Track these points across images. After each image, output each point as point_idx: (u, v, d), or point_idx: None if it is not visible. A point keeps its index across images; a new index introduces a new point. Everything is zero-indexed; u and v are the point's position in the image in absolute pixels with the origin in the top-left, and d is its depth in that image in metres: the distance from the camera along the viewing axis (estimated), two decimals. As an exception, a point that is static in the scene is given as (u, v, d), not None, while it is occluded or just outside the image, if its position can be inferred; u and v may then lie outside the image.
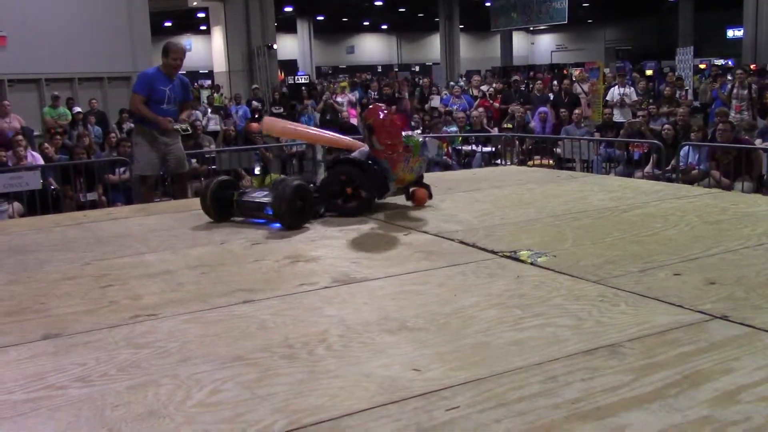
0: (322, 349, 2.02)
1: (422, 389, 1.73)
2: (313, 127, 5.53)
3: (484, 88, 17.22)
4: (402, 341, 2.07)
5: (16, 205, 9.00)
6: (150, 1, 17.04)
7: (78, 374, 1.90)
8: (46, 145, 11.22)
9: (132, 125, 7.85)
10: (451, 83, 18.90)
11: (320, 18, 42.40)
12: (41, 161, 10.20)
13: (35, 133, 13.14)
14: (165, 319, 2.33)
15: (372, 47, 51.55)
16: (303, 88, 22.22)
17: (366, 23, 48.01)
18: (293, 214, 3.67)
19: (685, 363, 1.82)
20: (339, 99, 16.39)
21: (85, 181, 9.69)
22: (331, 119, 14.98)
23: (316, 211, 3.89)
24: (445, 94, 16.48)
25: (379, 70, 42.76)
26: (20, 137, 10.56)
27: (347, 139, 4.54)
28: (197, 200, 4.19)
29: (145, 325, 2.29)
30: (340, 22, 45.34)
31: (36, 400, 1.75)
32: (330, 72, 43.65)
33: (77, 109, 14.70)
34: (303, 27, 41.98)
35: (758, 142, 9.74)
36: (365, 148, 4.07)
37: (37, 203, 9.03)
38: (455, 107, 14.24)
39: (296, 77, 26.72)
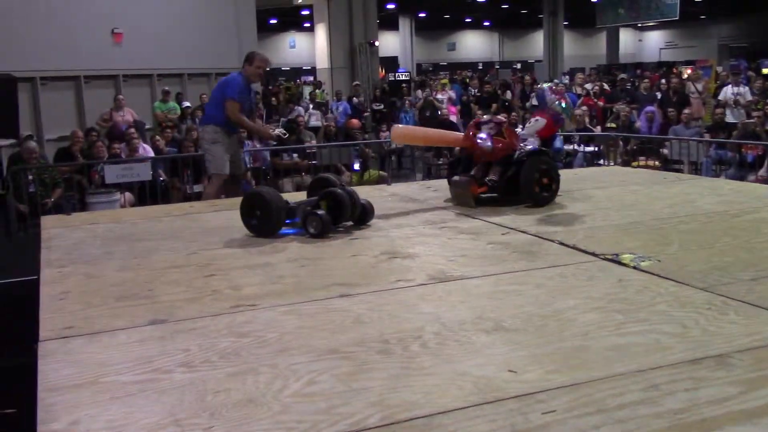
0: (417, 346, 2.02)
1: (518, 391, 1.71)
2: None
3: (588, 86, 16.82)
4: (498, 341, 2.05)
5: (128, 195, 9.43)
6: (256, -1, 17.48)
7: (182, 359, 1.97)
8: (157, 137, 11.68)
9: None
10: (555, 80, 18.54)
11: (422, 15, 42.43)
12: (152, 153, 10.65)
13: (146, 127, 13.71)
14: (264, 310, 2.39)
15: (473, 44, 51.19)
16: (403, 84, 22.32)
17: (468, 20, 47.71)
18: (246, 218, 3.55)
19: (799, 378, 1.73)
20: (439, 96, 16.36)
21: (193, 174, 10.05)
22: (431, 116, 14.97)
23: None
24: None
25: (480, 67, 42.41)
26: (133, 130, 11.06)
27: (459, 135, 4.62)
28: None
29: (245, 315, 2.35)
30: (441, 19, 45.24)
31: (143, 383, 1.83)
32: (431, 69, 43.63)
33: (186, 103, 15.23)
34: (405, 24, 42.12)
35: None
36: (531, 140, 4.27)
37: (146, 194, 9.44)
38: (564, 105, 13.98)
39: (397, 74, 26.84)
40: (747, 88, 13.90)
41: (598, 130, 12.58)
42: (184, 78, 16.01)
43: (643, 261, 2.83)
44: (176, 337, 2.15)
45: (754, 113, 11.68)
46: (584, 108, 13.29)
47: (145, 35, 14.47)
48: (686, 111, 12.06)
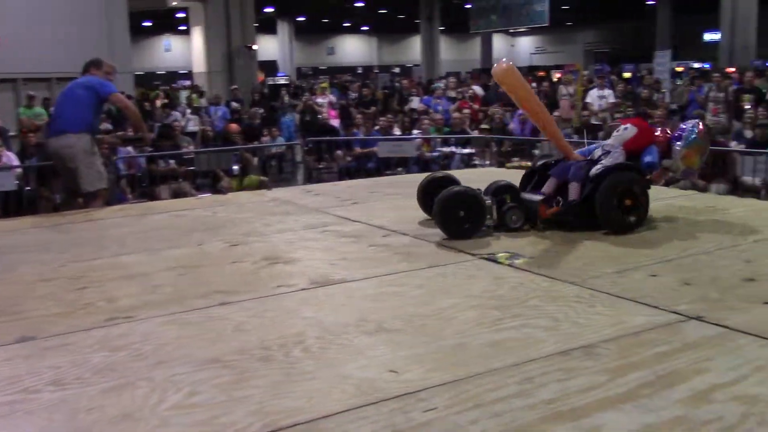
0: (298, 351, 2.02)
1: (399, 391, 1.73)
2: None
3: (464, 90, 17.27)
4: (379, 343, 2.07)
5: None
6: (129, 0, 16.90)
7: (52, 377, 1.88)
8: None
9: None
10: (436, 84, 18.93)
11: (301, 19, 42.28)
12: (16, 162, 10.08)
13: (10, 134, 12.98)
14: (141, 322, 2.32)
15: (352, 48, 51.51)
16: (283, 89, 22.16)
17: (346, 24, 47.96)
18: (451, 222, 3.33)
19: (659, 363, 1.84)
20: (319, 100, 16.36)
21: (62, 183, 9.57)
22: (311, 120, 14.94)
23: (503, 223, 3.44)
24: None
25: (359, 71, 42.73)
26: (-5, 137, 10.42)
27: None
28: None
29: (120, 327, 2.27)
30: (320, 23, 45.26)
31: (11, 404, 1.73)
32: (311, 73, 43.55)
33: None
34: (283, 28, 41.83)
35: (733, 145, 9.84)
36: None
37: (11, 205, 8.94)
38: (439, 108, 14.27)
39: (276, 78, 26.64)
40: (611, 91, 14.66)
41: (474, 132, 12.93)
42: (52, 82, 15.26)
43: (517, 259, 2.93)
44: (46, 354, 2.06)
45: (617, 114, 12.32)
46: (465, 110, 13.64)
47: (8, 38, 13.71)
48: (556, 113, 12.58)
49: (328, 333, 2.15)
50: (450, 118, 13.11)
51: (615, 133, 3.66)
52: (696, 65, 26.66)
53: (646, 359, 1.87)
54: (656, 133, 3.61)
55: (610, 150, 3.54)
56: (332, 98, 17.09)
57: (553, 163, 3.71)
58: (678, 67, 24.28)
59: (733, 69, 18.65)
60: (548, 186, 3.55)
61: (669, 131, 3.66)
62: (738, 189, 8.55)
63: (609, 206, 3.30)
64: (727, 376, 1.75)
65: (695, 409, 1.59)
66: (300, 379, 1.83)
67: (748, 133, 10.05)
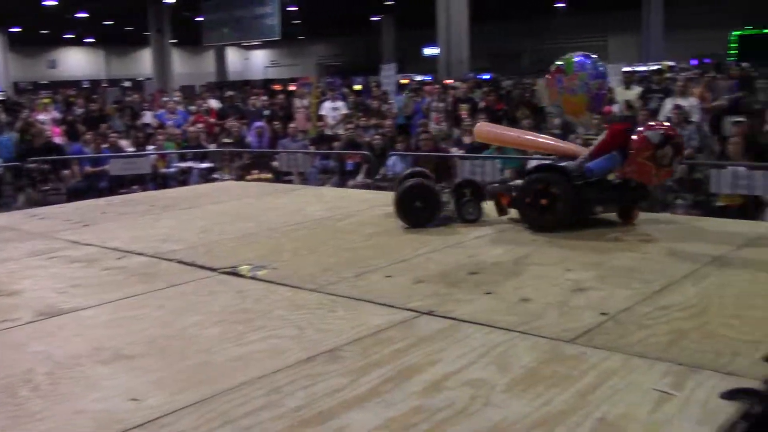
0: (27, 390, 1.85)
1: (142, 419, 1.66)
2: (529, 132, 4.87)
3: (198, 103, 16.97)
4: (118, 371, 1.96)
5: None
6: None
7: None
8: None
9: None
10: (165, 98, 18.34)
11: (16, 29, 38.88)
12: None
13: None
14: None
15: (77, 61, 48.40)
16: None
17: (69, 36, 44.95)
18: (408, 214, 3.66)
19: (397, 359, 1.94)
20: (41, 117, 15.13)
21: None
22: (32, 139, 13.77)
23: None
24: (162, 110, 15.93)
25: (86, 85, 40.24)
26: None
27: (566, 144, 4.06)
28: None
29: None
30: (39, 35, 41.97)
31: None
32: (30, 88, 40.18)
33: None
34: (-5, 39, 38.25)
35: (454, 150, 10.69)
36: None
37: None
38: (169, 123, 13.86)
39: (-12, 93, 24.21)
40: (343, 102, 15.24)
41: (212, 146, 12.75)
42: None
43: (259, 270, 2.94)
44: None
45: (348, 125, 12.82)
46: (199, 125, 13.39)
47: None
48: (292, 125, 12.82)
49: (60, 367, 2.00)
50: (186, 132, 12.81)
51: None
52: (419, 78, 28.55)
53: (386, 357, 1.97)
54: (632, 138, 3.46)
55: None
56: (56, 114, 15.93)
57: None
58: (403, 79, 25.84)
59: (451, 81, 20.21)
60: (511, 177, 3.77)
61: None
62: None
63: (522, 203, 3.54)
64: (457, 364, 1.89)
65: (431, 399, 1.70)
66: (29, 420, 1.68)
67: (467, 139, 10.96)
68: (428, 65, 34.74)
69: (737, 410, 1.55)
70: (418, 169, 4.14)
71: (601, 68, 3.56)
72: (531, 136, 4.42)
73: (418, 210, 3.67)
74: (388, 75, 19.45)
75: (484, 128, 4.49)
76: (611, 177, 3.61)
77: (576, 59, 3.58)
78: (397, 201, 3.70)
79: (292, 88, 21.42)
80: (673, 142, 3.40)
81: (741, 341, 1.97)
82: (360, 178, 10.23)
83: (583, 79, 3.46)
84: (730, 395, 1.61)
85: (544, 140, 4.31)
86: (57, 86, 36.51)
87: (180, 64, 41.74)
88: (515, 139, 4.45)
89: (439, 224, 3.67)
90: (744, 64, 23.49)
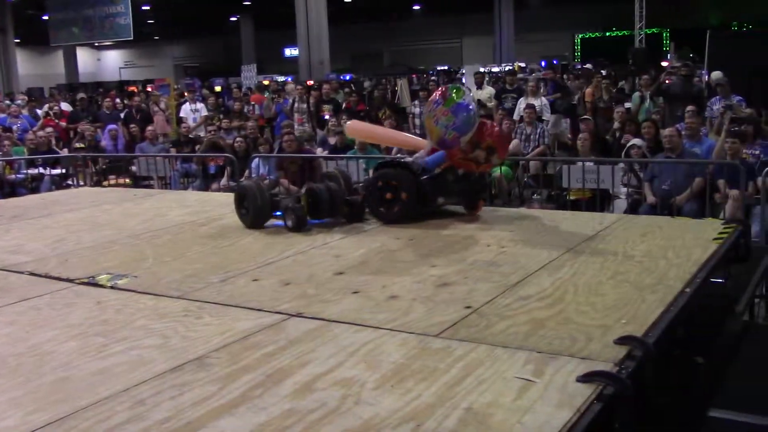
0: None
1: (-6, 442, 1.56)
2: (390, 129, 5.32)
3: (46, 107, 16.09)
4: (-34, 393, 1.83)
5: None
6: None
7: None
8: None
9: None
10: (7, 102, 17.26)
11: None
12: None
13: None
14: None
15: None
16: None
17: None
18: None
19: (267, 363, 1.93)
20: None
21: None
22: None
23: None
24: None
25: None
26: None
27: (416, 139, 4.39)
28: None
29: None
30: None
31: None
32: None
33: None
34: None
35: (319, 151, 10.70)
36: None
37: None
38: (15, 127, 13.06)
39: None
40: (203, 104, 14.92)
41: (65, 151, 12.14)
42: None
43: (120, 279, 2.83)
44: None
45: (209, 127, 12.57)
46: (49, 129, 12.70)
47: None
48: (150, 128, 12.42)
49: None
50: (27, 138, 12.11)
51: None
52: (280, 78, 28.39)
53: (255, 361, 1.95)
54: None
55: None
56: None
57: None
58: (264, 80, 25.62)
59: (311, 82, 20.24)
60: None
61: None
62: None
63: (369, 198, 3.72)
64: (327, 364, 1.90)
65: (302, 401, 1.69)
66: None
67: (332, 140, 11.00)
68: (289, 66, 34.63)
69: (593, 392, 1.65)
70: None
71: (465, 127, 3.59)
72: (396, 133, 5.16)
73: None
74: (249, 76, 19.23)
75: (356, 126, 5.03)
76: (458, 171, 3.78)
77: (461, 102, 3.59)
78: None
79: (149, 89, 20.73)
80: (484, 146, 3.68)
81: (594, 326, 2.09)
82: (223, 181, 10.05)
83: (448, 121, 3.55)
84: (586, 378, 1.70)
85: (407, 137, 4.77)
86: None
87: (26, 65, 39.47)
88: (383, 135, 5.08)
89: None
90: (587, 65, 24.96)
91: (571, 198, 8.03)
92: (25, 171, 10.74)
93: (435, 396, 1.69)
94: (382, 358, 1.93)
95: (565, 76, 19.75)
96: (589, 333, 2.04)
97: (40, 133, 12.17)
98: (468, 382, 1.75)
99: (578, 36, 37.27)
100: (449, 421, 1.56)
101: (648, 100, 11.67)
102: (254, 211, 3.65)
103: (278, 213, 3.67)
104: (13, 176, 10.66)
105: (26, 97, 17.72)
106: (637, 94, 12.41)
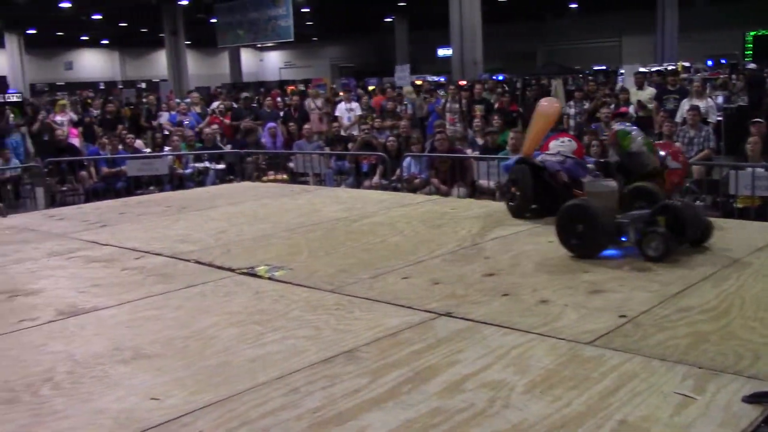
0: (47, 389, 1.86)
1: (162, 418, 1.67)
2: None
3: (215, 104, 17.02)
4: (138, 371, 1.97)
5: None
6: None
7: None
8: None
9: None
10: (177, 100, 18.39)
11: (32, 31, 39.19)
12: None
13: None
14: None
15: (92, 63, 48.80)
16: (7, 107, 20.18)
17: (84, 38, 45.26)
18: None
19: (415, 360, 1.94)
20: (58, 118, 15.24)
21: None
22: (50, 140, 13.88)
23: None
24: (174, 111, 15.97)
25: (102, 86, 40.50)
26: None
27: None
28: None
29: None
30: (54, 37, 42.29)
31: None
32: (47, 89, 40.47)
33: None
34: (12, 41, 38.53)
35: (469, 152, 10.66)
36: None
37: None
38: (185, 124, 13.91)
39: (7, 95, 24.34)
40: (358, 104, 15.25)
41: (227, 147, 12.80)
42: None
43: (277, 271, 2.95)
44: None
45: (363, 126, 12.83)
46: (214, 126, 13.43)
47: None
48: (306, 126, 12.84)
49: (80, 366, 2.01)
50: (201, 133, 12.86)
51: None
52: (433, 78, 28.53)
53: (404, 358, 1.97)
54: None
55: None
56: (72, 116, 16.03)
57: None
58: (417, 80, 25.84)
59: (464, 82, 20.19)
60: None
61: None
62: (476, 192, 9.27)
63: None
64: (475, 366, 1.89)
65: (449, 400, 1.70)
66: (51, 419, 1.69)
67: (480, 141, 10.93)
68: (442, 66, 34.72)
69: (760, 414, 1.54)
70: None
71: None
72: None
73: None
74: (403, 76, 19.45)
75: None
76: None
77: (630, 150, 3.58)
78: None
79: (309, 89, 21.42)
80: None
81: (762, 344, 1.95)
82: (376, 179, 10.23)
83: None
84: (753, 398, 1.59)
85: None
86: (73, 87, 36.81)
87: (195, 65, 41.94)
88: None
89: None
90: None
91: (739, 206, 7.55)
92: (192, 165, 11.43)
93: (586, 405, 1.64)
94: (531, 362, 1.90)
95: (733, 76, 18.59)
96: (757, 350, 1.91)
97: (207, 130, 12.89)
98: (621, 394, 1.68)
99: (749, 33, 34.96)
100: (602, 431, 1.51)
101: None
102: (594, 236, 2.95)
103: (623, 238, 3.00)
104: (181, 170, 11.36)
105: (197, 94, 18.78)
106: (815, 95, 11.47)
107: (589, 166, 4.09)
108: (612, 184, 3.27)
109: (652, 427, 1.52)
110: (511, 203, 3.92)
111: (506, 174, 4.23)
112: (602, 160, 4.05)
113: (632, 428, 1.52)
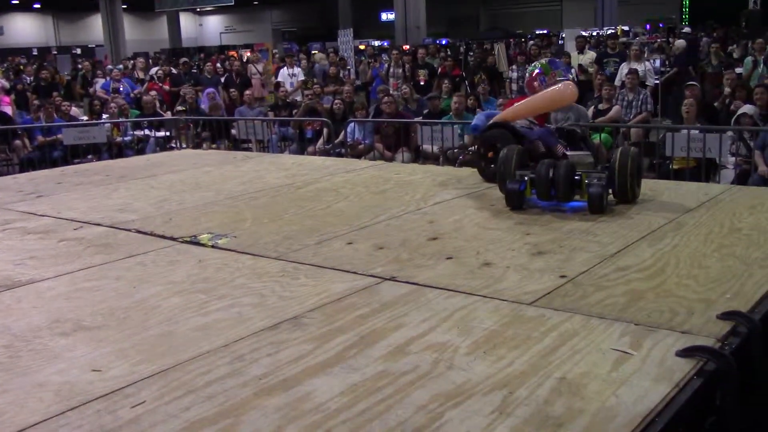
0: (-16, 364, 1.82)
1: (104, 390, 1.65)
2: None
3: (153, 71, 16.63)
4: (79, 342, 1.94)
5: None
6: None
7: None
8: None
9: None
10: (109, 67, 17.92)
11: (-43, -6, 37.60)
12: None
13: None
14: None
15: (24, 27, 47.01)
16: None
17: (15, 1, 43.57)
18: None
19: (361, 325, 1.95)
20: (-12, 86, 14.71)
21: None
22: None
23: None
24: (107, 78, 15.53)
25: (35, 53, 39.12)
26: None
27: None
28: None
29: None
30: (-19, 0, 40.66)
31: None
32: (-26, 56, 38.91)
33: None
34: (-64, 5, 36.92)
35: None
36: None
37: None
38: (121, 91, 13.59)
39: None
40: (300, 69, 15.10)
41: (167, 114, 12.55)
42: None
43: (220, 239, 2.92)
44: None
45: (306, 91, 12.71)
46: (153, 93, 13.14)
47: None
48: (248, 92, 12.66)
49: (18, 340, 1.97)
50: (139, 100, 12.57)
51: None
52: (376, 43, 28.35)
53: (349, 323, 1.98)
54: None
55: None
56: (4, 83, 15.50)
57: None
58: (360, 45, 25.64)
59: (407, 47, 20.12)
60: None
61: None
62: (419, 157, 9.31)
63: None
64: (420, 329, 1.91)
65: (394, 363, 1.71)
66: (-12, 394, 1.66)
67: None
68: (385, 31, 34.52)
69: (693, 367, 1.60)
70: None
71: (565, 70, 4.23)
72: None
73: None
74: (346, 41, 19.28)
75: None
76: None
77: (546, 61, 4.12)
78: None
79: (247, 53, 21.09)
80: None
81: (696, 300, 2.02)
82: (319, 144, 10.18)
83: (560, 75, 3.95)
84: (687, 353, 1.65)
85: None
86: (4, 54, 35.47)
87: (132, 30, 40.85)
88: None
89: None
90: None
91: (675, 167, 7.75)
92: (131, 133, 11.18)
93: (528, 364, 1.67)
94: (474, 324, 1.93)
95: (669, 40, 18.93)
96: (691, 307, 1.97)
97: (146, 97, 12.61)
98: (562, 352, 1.73)
99: (687, -3, 35.59)
100: (542, 389, 1.55)
101: (762, 65, 11.06)
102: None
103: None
104: (120, 138, 11.11)
105: (142, 60, 18.37)
106: (749, 58, 11.79)
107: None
108: (588, 154, 3.69)
109: (591, 382, 1.57)
110: (488, 167, 3.72)
111: (475, 134, 4.17)
112: (565, 128, 4.04)
113: (572, 385, 1.56)
